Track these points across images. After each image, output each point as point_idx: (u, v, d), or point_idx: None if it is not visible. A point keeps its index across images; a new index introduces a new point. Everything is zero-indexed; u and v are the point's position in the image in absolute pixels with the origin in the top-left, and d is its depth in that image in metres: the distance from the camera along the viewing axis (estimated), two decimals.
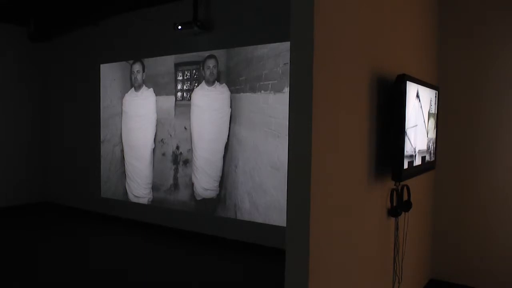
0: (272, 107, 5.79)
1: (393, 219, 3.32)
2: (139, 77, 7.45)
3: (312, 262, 2.18)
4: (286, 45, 5.49)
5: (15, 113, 8.86)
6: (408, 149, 3.03)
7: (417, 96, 3.18)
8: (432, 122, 3.76)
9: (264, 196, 5.94)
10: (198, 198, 6.70)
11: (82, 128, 8.52)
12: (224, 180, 6.39)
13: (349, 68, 2.53)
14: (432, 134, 3.78)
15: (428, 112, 3.57)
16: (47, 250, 6.12)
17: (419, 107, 3.26)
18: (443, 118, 4.38)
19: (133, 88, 7.56)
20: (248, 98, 6.06)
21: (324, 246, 2.31)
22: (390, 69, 3.09)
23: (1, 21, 8.42)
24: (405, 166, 2.99)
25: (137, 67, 7.48)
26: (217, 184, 6.47)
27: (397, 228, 3.37)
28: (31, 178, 9.15)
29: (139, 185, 7.50)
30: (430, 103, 3.61)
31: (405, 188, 3.37)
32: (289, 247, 2.24)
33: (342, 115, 2.46)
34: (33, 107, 9.17)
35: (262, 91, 5.89)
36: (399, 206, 3.27)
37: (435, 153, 3.92)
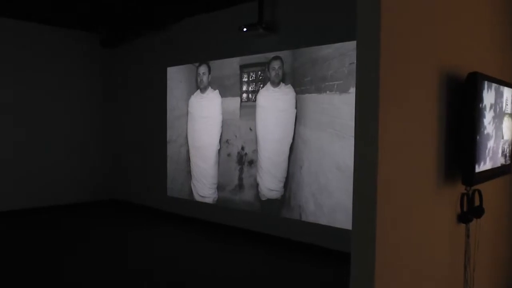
0: (338, 108, 5.71)
1: (463, 225, 3.18)
2: (204, 79, 7.58)
3: (378, 267, 2.13)
4: (352, 44, 5.41)
5: (87, 115, 9.36)
6: (480, 152, 2.88)
7: (491, 95, 3.03)
8: (508, 122, 3.56)
9: (329, 198, 5.87)
10: (263, 199, 6.72)
11: (150, 128, 8.79)
12: (289, 181, 6.38)
13: (417, 66, 2.44)
14: (508, 136, 3.59)
15: (504, 112, 3.38)
16: (113, 246, 6.36)
17: (494, 106, 3.10)
18: None
19: (198, 90, 7.70)
20: (313, 99, 6.02)
21: (390, 251, 2.25)
22: (461, 67, 2.96)
23: (75, 28, 8.93)
24: (477, 169, 2.85)
25: (203, 69, 7.62)
26: (282, 185, 6.46)
27: (468, 235, 3.22)
28: (101, 176, 9.61)
29: (205, 185, 7.63)
30: (506, 102, 3.42)
31: (476, 192, 3.21)
32: (355, 250, 2.20)
33: (409, 116, 2.39)
34: (105, 109, 9.63)
35: (328, 92, 5.83)
36: (470, 211, 3.12)
37: (510, 156, 3.72)
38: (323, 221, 5.95)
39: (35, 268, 5.34)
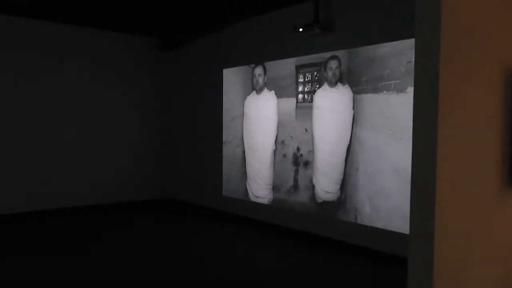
0: (394, 108, 5.58)
1: None
2: (260, 80, 7.61)
3: (436, 273, 2.05)
4: (409, 42, 5.26)
5: (145, 116, 9.67)
6: None
7: None
8: None
9: (385, 201, 5.74)
10: (319, 201, 6.65)
11: (206, 129, 8.93)
12: (345, 183, 6.29)
13: (479, 64, 2.34)
14: None
15: None
16: (169, 244, 6.48)
17: None
18: None
19: (254, 91, 7.74)
20: (369, 99, 5.90)
21: (450, 258, 2.16)
22: None
23: (133, 33, 9.26)
24: None
25: (258, 70, 7.64)
26: (338, 187, 6.38)
27: None
28: (158, 176, 9.91)
29: (260, 185, 7.65)
30: None
31: None
32: (412, 256, 2.13)
33: (471, 115, 2.29)
34: (162, 110, 9.91)
35: (384, 91, 5.70)
36: None
37: None
38: (380, 224, 5.82)
39: (117, 263, 5.55)
